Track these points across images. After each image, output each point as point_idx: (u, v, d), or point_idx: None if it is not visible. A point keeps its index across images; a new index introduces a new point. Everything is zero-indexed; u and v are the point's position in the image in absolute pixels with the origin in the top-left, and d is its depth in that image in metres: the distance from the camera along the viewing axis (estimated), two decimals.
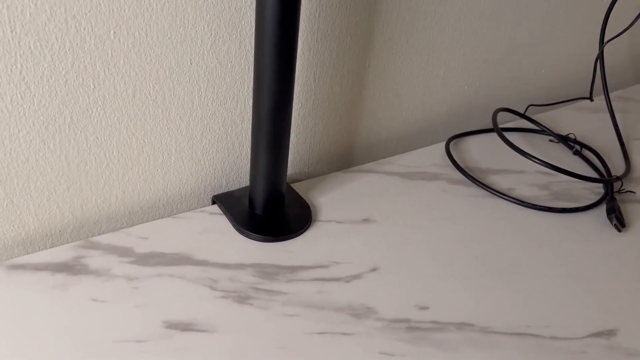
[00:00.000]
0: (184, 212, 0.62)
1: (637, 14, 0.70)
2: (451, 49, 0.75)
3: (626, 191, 0.70)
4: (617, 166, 0.76)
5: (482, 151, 0.77)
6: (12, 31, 0.45)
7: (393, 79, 0.72)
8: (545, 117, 0.86)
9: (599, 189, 0.71)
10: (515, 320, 0.52)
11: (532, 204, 0.66)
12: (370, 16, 0.64)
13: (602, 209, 0.67)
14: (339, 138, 0.72)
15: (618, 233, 0.63)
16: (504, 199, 0.67)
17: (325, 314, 0.50)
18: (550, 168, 0.67)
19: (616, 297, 0.56)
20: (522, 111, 0.84)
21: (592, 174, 0.74)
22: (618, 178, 0.70)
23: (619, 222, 0.63)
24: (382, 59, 0.69)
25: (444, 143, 0.77)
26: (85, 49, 0.48)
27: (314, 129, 0.69)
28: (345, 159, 0.75)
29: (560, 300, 0.55)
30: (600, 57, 0.75)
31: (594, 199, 0.69)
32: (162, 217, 0.60)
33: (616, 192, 0.69)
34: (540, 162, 0.68)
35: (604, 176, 0.72)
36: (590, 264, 0.59)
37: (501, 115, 0.80)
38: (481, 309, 0.53)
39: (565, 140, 0.78)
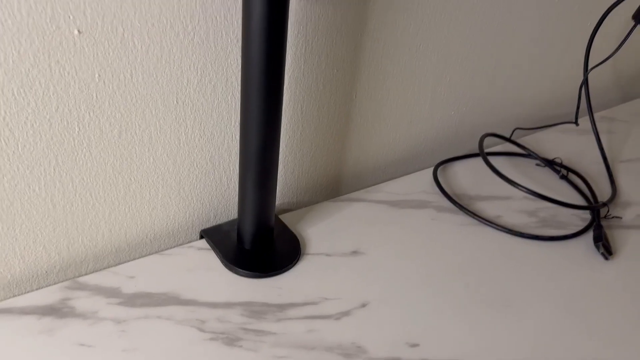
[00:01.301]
0: (171, 247, 0.61)
1: (621, 41, 0.70)
2: (437, 76, 0.75)
3: (612, 217, 0.70)
4: (603, 190, 0.77)
5: (470, 177, 0.77)
6: None
7: (380, 108, 0.72)
8: (531, 140, 0.87)
9: (586, 215, 0.71)
10: (505, 355, 0.52)
11: (520, 232, 0.66)
12: (356, 49, 0.64)
13: (590, 236, 0.67)
14: (327, 167, 0.72)
15: (606, 261, 0.64)
16: (492, 227, 0.67)
17: (315, 355, 0.50)
18: (536, 196, 0.68)
19: (607, 327, 0.56)
20: (509, 134, 0.85)
21: (579, 199, 0.74)
22: (604, 204, 0.70)
23: (606, 249, 0.64)
24: (369, 89, 0.69)
25: (431, 169, 0.77)
26: (70, 93, 0.48)
27: (302, 160, 0.69)
28: (333, 187, 0.75)
29: (550, 332, 0.55)
30: (585, 83, 0.76)
31: (581, 225, 0.69)
32: (149, 254, 0.60)
33: (603, 217, 0.70)
34: (526, 190, 0.68)
35: (590, 202, 0.73)
36: (579, 293, 0.60)
37: (489, 139, 0.81)
38: (471, 345, 0.53)
39: (551, 164, 0.79)
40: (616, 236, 0.68)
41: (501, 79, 0.83)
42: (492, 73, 0.81)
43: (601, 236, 0.65)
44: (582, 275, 0.62)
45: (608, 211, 0.70)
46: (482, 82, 0.81)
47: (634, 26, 0.66)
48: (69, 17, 0.45)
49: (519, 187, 0.68)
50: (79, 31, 0.46)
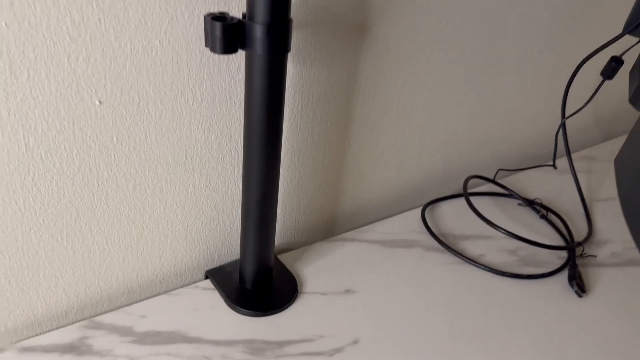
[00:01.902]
0: (179, 287, 0.67)
1: (595, 88, 0.76)
2: (423, 125, 0.81)
3: (587, 255, 0.76)
4: (581, 228, 0.82)
5: (456, 216, 0.83)
6: (26, 145, 0.50)
7: (371, 154, 0.78)
8: (514, 180, 0.92)
9: (563, 253, 0.77)
10: None
11: (501, 271, 0.72)
12: (348, 104, 0.70)
13: (566, 274, 0.73)
14: (322, 209, 0.78)
15: (580, 298, 0.69)
16: (476, 266, 0.73)
17: None
18: (514, 238, 0.73)
19: None
20: (493, 174, 0.90)
21: (557, 238, 0.80)
22: (579, 244, 0.76)
23: (580, 288, 0.69)
24: (360, 137, 0.75)
25: (420, 209, 0.83)
26: (91, 155, 0.54)
27: (299, 204, 0.74)
28: (329, 227, 0.81)
29: None
30: (563, 128, 0.82)
31: (559, 263, 0.75)
32: (159, 294, 0.65)
33: (578, 256, 0.75)
34: (505, 232, 0.74)
35: (567, 241, 0.78)
36: (554, 329, 0.65)
37: (474, 180, 0.87)
38: None
39: (531, 204, 0.85)
40: (590, 274, 0.73)
41: (485, 124, 0.89)
42: (476, 119, 0.87)
43: (575, 275, 0.70)
44: (558, 312, 0.67)
45: (583, 250, 0.76)
46: (466, 128, 0.87)
47: (602, 81, 0.72)
48: (92, 90, 0.51)
49: (499, 229, 0.74)
50: (100, 102, 0.52)
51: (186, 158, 0.60)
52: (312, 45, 0.62)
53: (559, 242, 0.79)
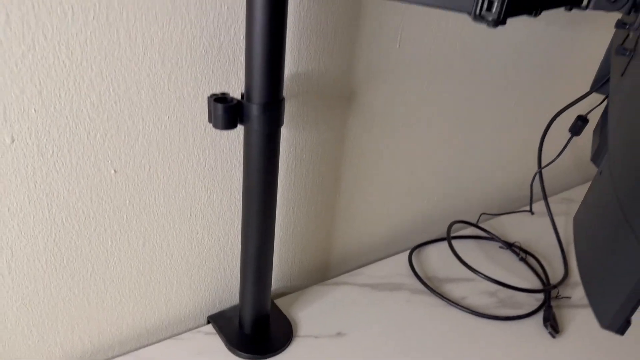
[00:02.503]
0: (183, 332, 0.72)
1: (565, 142, 0.83)
2: (409, 176, 0.87)
3: (562, 297, 0.81)
4: (557, 270, 0.88)
5: (441, 260, 0.89)
6: (49, 211, 0.56)
7: (360, 202, 0.84)
8: (496, 223, 0.98)
9: (540, 295, 0.82)
10: None
11: (482, 313, 0.77)
12: (337, 159, 0.77)
13: (542, 315, 0.78)
14: (316, 255, 0.84)
15: (553, 339, 0.75)
16: (458, 308, 0.79)
17: None
18: (493, 283, 0.79)
19: None
20: (477, 217, 0.97)
21: (535, 280, 0.85)
22: (554, 286, 0.81)
23: (553, 329, 0.75)
24: (350, 188, 0.81)
25: (407, 252, 0.89)
26: (106, 217, 0.60)
27: (295, 251, 0.81)
28: (322, 271, 0.87)
29: None
30: (540, 176, 0.88)
31: (535, 304, 0.80)
32: (164, 338, 0.71)
33: (554, 298, 0.81)
34: (484, 277, 0.79)
35: (544, 283, 0.84)
36: None
37: (460, 223, 0.93)
38: None
39: (511, 247, 0.91)
40: (565, 315, 0.79)
41: (467, 171, 0.96)
42: (459, 167, 0.94)
43: (549, 316, 0.76)
44: (533, 352, 0.73)
45: (558, 292, 0.82)
46: (451, 175, 0.94)
47: (570, 137, 0.78)
48: (108, 161, 0.57)
49: (479, 274, 0.80)
50: (115, 171, 0.58)
51: (190, 215, 0.67)
52: (304, 112, 0.69)
53: (537, 283, 0.85)
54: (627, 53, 0.60)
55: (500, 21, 0.48)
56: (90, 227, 0.60)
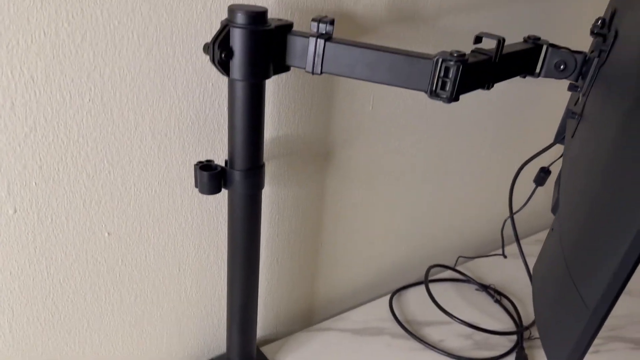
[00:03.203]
0: None
1: (532, 189, 0.89)
2: (388, 221, 0.93)
3: (534, 338, 0.86)
4: (530, 312, 0.92)
5: (420, 304, 0.93)
6: (47, 273, 0.61)
7: (342, 251, 0.89)
8: (473, 266, 1.03)
9: (513, 337, 0.87)
10: None
11: (458, 356, 0.81)
12: (318, 211, 0.82)
13: (514, 356, 0.82)
14: (300, 302, 0.88)
15: None
16: (436, 351, 0.83)
17: None
18: (467, 326, 0.84)
19: None
20: (454, 260, 1.01)
21: (509, 322, 0.90)
22: (526, 328, 0.86)
23: None
24: (331, 238, 0.86)
25: (388, 297, 0.93)
26: (100, 276, 0.65)
27: (280, 300, 0.85)
28: (307, 318, 0.91)
29: None
30: (512, 221, 0.94)
31: (509, 346, 0.84)
32: None
33: (526, 339, 0.85)
34: (461, 322, 0.84)
35: (517, 324, 0.89)
36: None
37: (437, 267, 0.97)
38: None
39: (486, 289, 0.95)
40: (537, 355, 0.83)
41: (443, 218, 1.01)
42: (434, 214, 0.99)
43: (521, 357, 0.80)
44: None
45: (530, 334, 0.86)
46: (427, 222, 0.99)
47: (535, 188, 0.84)
48: (102, 225, 0.62)
49: (455, 319, 0.84)
50: (108, 233, 0.63)
51: (179, 270, 0.71)
52: (285, 171, 0.74)
53: (511, 325, 0.89)
54: (576, 117, 0.66)
55: (453, 98, 0.54)
56: (86, 285, 0.64)
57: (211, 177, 0.60)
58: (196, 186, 0.61)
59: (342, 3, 0.68)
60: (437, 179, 0.95)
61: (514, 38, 0.62)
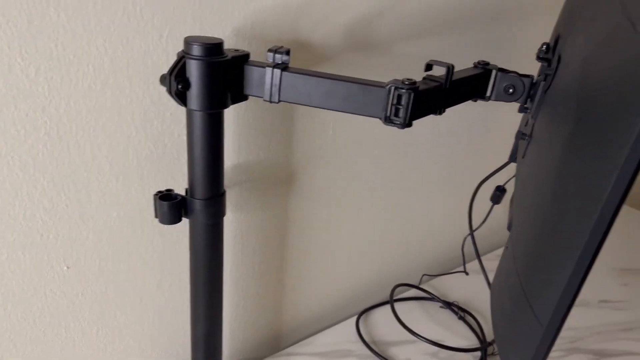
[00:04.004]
0: None
1: (489, 210, 0.91)
2: (351, 242, 0.94)
3: (497, 354, 0.87)
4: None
5: (386, 323, 0.94)
6: (4, 310, 0.59)
7: (307, 273, 0.89)
8: (438, 283, 1.05)
9: (477, 353, 0.88)
10: None
11: None
12: (283, 238, 0.82)
13: None
14: (267, 328, 0.88)
15: None
16: None
17: None
18: (432, 344, 0.85)
19: None
20: (419, 278, 1.03)
21: (473, 338, 0.91)
22: (490, 343, 0.87)
23: None
24: (296, 262, 0.87)
25: (355, 318, 0.94)
26: (60, 310, 0.64)
27: (246, 325, 0.85)
28: (274, 343, 0.91)
29: None
30: (472, 239, 0.96)
31: None
32: None
33: (490, 354, 0.87)
34: (425, 340, 0.85)
35: (481, 340, 0.90)
36: None
37: (402, 286, 0.99)
38: None
39: (450, 306, 0.97)
40: None
41: (406, 237, 1.03)
42: (397, 234, 1.00)
43: None
44: None
45: (494, 349, 0.88)
46: (390, 242, 1.00)
47: (492, 206, 0.86)
48: (60, 258, 0.61)
49: (419, 337, 0.85)
50: (67, 267, 0.62)
51: (141, 301, 0.70)
52: (247, 197, 0.75)
53: (475, 341, 0.91)
54: (526, 138, 0.69)
55: (407, 124, 0.56)
56: (45, 320, 0.63)
57: (171, 206, 0.60)
58: (156, 216, 0.60)
59: (299, 33, 0.69)
60: (399, 200, 0.97)
61: (466, 63, 0.64)
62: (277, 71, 0.56)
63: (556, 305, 0.46)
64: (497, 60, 0.67)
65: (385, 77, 0.57)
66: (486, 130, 1.05)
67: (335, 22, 0.72)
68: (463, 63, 0.64)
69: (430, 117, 0.58)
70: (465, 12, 0.87)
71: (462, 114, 0.99)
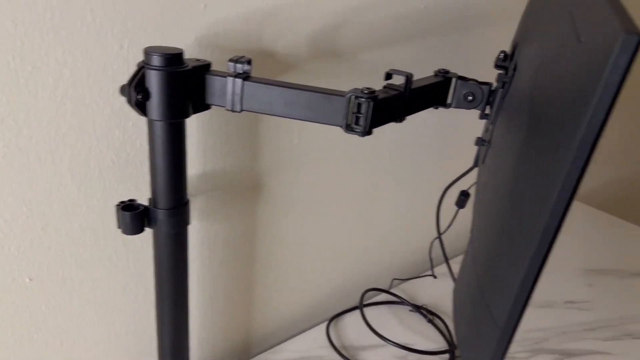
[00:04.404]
0: None
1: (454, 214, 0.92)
2: (321, 248, 0.94)
3: None
4: None
5: (356, 328, 0.95)
6: None
7: (276, 280, 0.90)
8: (408, 287, 1.06)
9: (446, 355, 0.89)
10: None
11: None
12: (252, 245, 0.83)
13: None
14: (237, 337, 0.88)
15: None
16: None
17: None
18: (401, 348, 0.86)
19: None
20: (389, 282, 1.04)
21: (441, 341, 0.93)
22: (457, 347, 0.89)
23: None
24: (265, 268, 0.87)
25: (325, 324, 0.94)
26: (22, 322, 0.63)
27: (215, 334, 0.84)
28: (244, 352, 0.91)
29: None
30: (440, 242, 0.97)
31: None
32: None
33: (458, 357, 0.88)
34: (394, 344, 0.86)
35: (449, 343, 0.92)
36: None
37: (373, 291, 0.99)
38: None
39: (419, 310, 0.98)
40: None
41: (375, 242, 1.04)
42: (366, 239, 1.01)
43: None
44: None
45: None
46: (360, 247, 1.01)
47: (457, 211, 0.88)
48: (23, 270, 0.61)
49: (388, 341, 0.86)
50: (29, 279, 0.62)
51: (107, 311, 0.70)
52: (214, 206, 0.75)
53: (443, 344, 0.92)
54: (485, 144, 0.70)
55: (367, 132, 0.57)
56: (7, 333, 0.62)
57: (133, 217, 0.59)
58: (119, 227, 0.60)
59: (262, 42, 0.70)
60: (367, 205, 0.98)
61: (429, 71, 0.66)
62: (239, 81, 0.56)
63: (511, 307, 0.47)
64: (461, 68, 0.69)
65: (350, 85, 0.57)
66: (453, 136, 1.07)
67: (300, 31, 0.73)
68: (426, 71, 0.66)
69: (397, 123, 0.60)
70: (428, 21, 0.88)
71: (428, 120, 1.00)
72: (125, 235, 0.67)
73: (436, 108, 0.69)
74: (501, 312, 0.49)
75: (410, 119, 0.98)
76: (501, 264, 0.51)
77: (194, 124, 0.68)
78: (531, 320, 0.98)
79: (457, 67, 0.73)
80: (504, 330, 0.48)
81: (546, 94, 0.48)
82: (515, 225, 0.48)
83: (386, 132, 0.94)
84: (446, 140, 1.06)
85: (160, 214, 0.60)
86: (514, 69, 0.63)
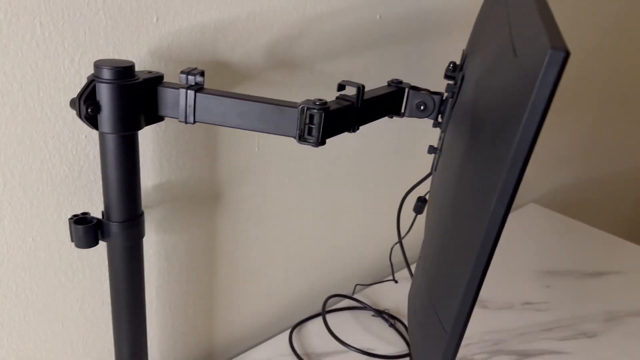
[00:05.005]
0: None
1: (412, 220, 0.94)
2: (284, 256, 0.95)
3: None
4: None
5: (319, 335, 0.95)
6: None
7: (238, 289, 0.90)
8: (370, 292, 1.07)
9: (407, 359, 0.91)
10: None
11: None
12: (212, 255, 0.83)
13: None
14: (198, 348, 0.88)
15: None
16: None
17: None
18: (362, 354, 0.87)
19: None
20: (352, 288, 1.05)
21: (402, 345, 0.94)
22: None
23: None
24: (227, 278, 0.87)
25: (288, 331, 0.95)
26: None
27: (175, 345, 0.84)
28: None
29: None
30: (401, 246, 0.99)
31: None
32: None
33: None
34: (355, 350, 0.87)
35: (410, 346, 0.93)
36: None
37: (336, 297, 1.00)
38: None
39: (381, 315, 0.99)
40: None
41: (339, 249, 1.05)
42: (328, 246, 1.02)
43: None
44: None
45: None
46: (322, 254, 1.02)
47: (415, 217, 0.89)
48: None
49: (349, 347, 0.87)
50: None
51: (63, 326, 0.69)
52: (171, 217, 0.75)
53: (404, 347, 0.93)
54: (436, 152, 0.72)
55: (320, 142, 0.58)
56: None
57: (86, 230, 0.59)
58: (72, 240, 0.60)
59: (217, 53, 0.70)
60: (328, 212, 0.99)
61: (385, 81, 0.67)
62: (191, 92, 0.57)
63: (457, 312, 0.48)
64: (418, 77, 0.70)
65: (308, 95, 0.58)
66: (412, 144, 1.09)
67: (255, 42, 0.74)
68: (383, 80, 0.67)
69: (358, 131, 0.61)
70: (384, 32, 0.90)
71: (387, 128, 1.02)
72: (80, 249, 0.66)
73: (391, 117, 0.70)
74: (448, 318, 0.50)
75: (370, 127, 1.00)
76: (446, 270, 0.52)
77: (149, 135, 0.68)
78: (490, 321, 1.01)
79: (414, 77, 0.75)
80: (451, 336, 0.50)
81: (484, 106, 0.50)
82: (459, 231, 0.50)
83: (347, 140, 0.95)
84: (405, 148, 1.08)
85: (114, 227, 0.60)
86: (462, 80, 0.64)
